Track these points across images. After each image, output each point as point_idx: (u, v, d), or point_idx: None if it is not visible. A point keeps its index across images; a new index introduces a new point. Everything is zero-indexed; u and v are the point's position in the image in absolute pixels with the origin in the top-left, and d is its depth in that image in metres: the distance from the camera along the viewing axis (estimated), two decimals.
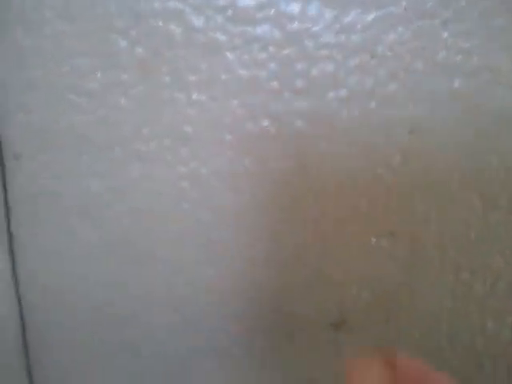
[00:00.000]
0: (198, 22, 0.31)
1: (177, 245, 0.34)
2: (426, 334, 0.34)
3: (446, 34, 0.31)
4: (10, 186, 0.33)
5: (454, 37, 0.31)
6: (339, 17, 0.31)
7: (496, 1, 0.30)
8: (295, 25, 0.31)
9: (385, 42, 0.31)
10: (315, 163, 0.33)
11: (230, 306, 0.35)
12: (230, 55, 0.32)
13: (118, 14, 0.31)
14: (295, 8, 0.31)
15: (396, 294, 0.34)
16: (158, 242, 0.34)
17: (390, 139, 0.32)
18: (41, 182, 0.34)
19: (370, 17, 0.31)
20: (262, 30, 0.31)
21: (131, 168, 0.34)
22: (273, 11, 0.31)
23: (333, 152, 0.33)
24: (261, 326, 0.35)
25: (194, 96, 0.33)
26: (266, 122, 0.33)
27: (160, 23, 0.31)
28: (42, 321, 0.36)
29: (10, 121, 0.33)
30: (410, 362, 0.20)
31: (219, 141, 0.33)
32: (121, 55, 0.32)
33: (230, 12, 0.31)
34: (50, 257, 0.35)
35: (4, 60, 0.32)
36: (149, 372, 0.37)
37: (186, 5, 0.31)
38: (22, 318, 0.36)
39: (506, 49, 0.31)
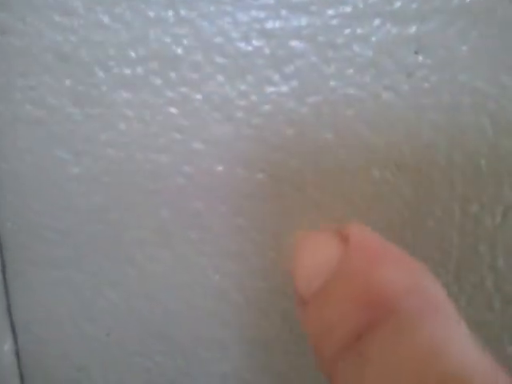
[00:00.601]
0: None
1: (165, 176, 0.32)
2: (434, 272, 0.32)
3: None
4: None
5: None
6: None
7: None
8: None
9: None
10: (314, 85, 0.30)
11: (219, 243, 0.33)
12: None
13: None
14: None
15: (401, 230, 0.32)
16: (146, 174, 0.32)
17: (395, 59, 0.30)
18: (19, 109, 0.31)
19: None
20: None
21: (116, 93, 0.31)
22: None
23: (333, 73, 0.30)
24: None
25: (183, 13, 0.30)
26: (260, 42, 0.30)
27: None
28: (23, 258, 0.34)
29: None
30: (367, 235, 0.17)
31: (210, 63, 0.30)
32: None
33: None
34: (30, 189, 0.32)
35: None
36: None
37: None
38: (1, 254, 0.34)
39: None
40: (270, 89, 0.31)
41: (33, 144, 0.32)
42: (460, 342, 0.15)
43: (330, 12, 0.30)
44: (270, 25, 0.30)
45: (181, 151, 0.32)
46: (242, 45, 0.30)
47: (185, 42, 0.30)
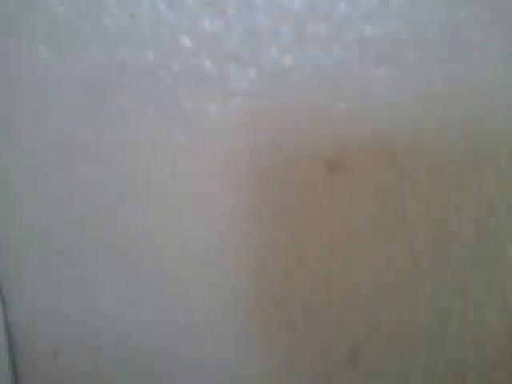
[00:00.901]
0: None
1: (152, 74, 0.31)
2: (433, 175, 0.31)
3: None
4: None
5: None
6: None
7: None
8: None
9: None
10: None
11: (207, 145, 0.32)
12: None
13: None
14: None
15: (401, 133, 0.30)
16: (131, 71, 0.31)
17: None
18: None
19: None
20: None
21: None
22: None
23: None
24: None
25: None
26: None
27: None
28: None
29: None
30: None
31: None
32: None
33: None
34: (14, 89, 0.31)
35: None
36: None
37: None
38: None
39: None
40: None
41: (15, 43, 0.31)
42: None
43: None
44: None
45: (169, 48, 0.30)
46: None
47: None
